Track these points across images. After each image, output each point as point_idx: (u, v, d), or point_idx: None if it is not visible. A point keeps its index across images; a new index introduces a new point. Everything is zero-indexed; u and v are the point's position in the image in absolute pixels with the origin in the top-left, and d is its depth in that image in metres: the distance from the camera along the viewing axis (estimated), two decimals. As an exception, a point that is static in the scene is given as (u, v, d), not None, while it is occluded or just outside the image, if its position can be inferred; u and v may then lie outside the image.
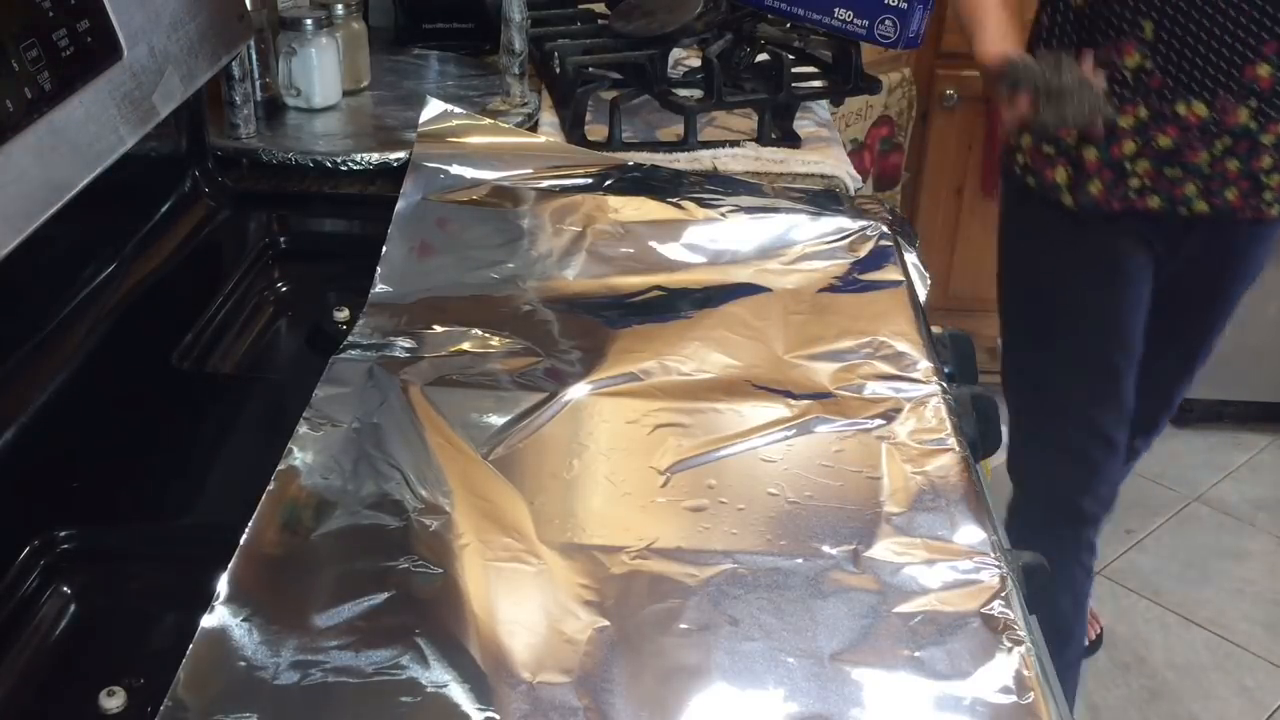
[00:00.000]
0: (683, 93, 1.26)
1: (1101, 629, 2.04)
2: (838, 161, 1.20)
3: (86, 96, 0.80)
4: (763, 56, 1.31)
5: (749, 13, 1.28)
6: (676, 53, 1.33)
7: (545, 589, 0.66)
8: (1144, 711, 1.93)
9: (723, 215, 1.03)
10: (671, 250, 1.00)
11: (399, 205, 1.03)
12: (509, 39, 1.26)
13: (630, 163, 1.13)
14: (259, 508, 0.69)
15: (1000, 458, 1.73)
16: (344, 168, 1.17)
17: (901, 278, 0.97)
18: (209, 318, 0.97)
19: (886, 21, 1.16)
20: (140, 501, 0.76)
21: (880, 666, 0.61)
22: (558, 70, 1.31)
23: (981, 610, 0.65)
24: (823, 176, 1.18)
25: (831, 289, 0.96)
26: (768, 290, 0.95)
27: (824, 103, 1.34)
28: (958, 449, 0.78)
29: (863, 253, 1.00)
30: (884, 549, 0.69)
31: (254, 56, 1.20)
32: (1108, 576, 2.19)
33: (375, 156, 1.17)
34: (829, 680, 0.61)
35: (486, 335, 0.89)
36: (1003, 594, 0.66)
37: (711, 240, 1.01)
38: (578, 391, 0.83)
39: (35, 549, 0.71)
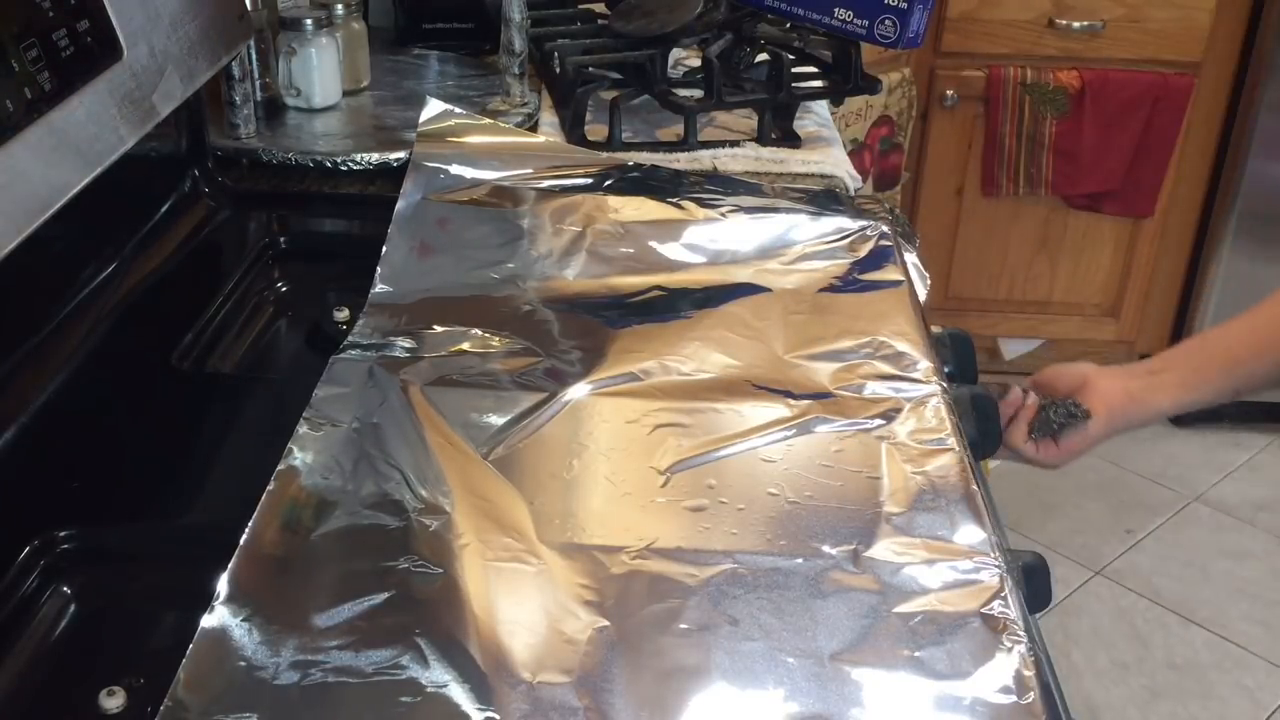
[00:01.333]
0: (683, 93, 1.26)
1: None
2: (838, 161, 1.20)
3: (86, 96, 0.80)
4: (763, 56, 1.30)
5: (749, 13, 1.28)
6: (676, 53, 1.33)
7: (545, 589, 0.66)
8: (1144, 711, 1.93)
9: (723, 215, 1.03)
10: (671, 250, 1.00)
11: (399, 205, 1.03)
12: (509, 39, 1.26)
13: (630, 163, 1.13)
14: (259, 508, 0.69)
15: (1000, 457, 1.72)
16: (344, 168, 1.17)
17: (901, 278, 0.97)
18: (209, 318, 0.97)
19: (886, 21, 1.16)
20: (140, 501, 0.77)
21: (880, 666, 0.61)
22: (558, 70, 1.31)
23: (981, 610, 0.65)
24: (822, 176, 1.18)
25: (831, 289, 0.96)
26: (768, 290, 0.95)
27: (824, 103, 1.34)
28: (958, 449, 0.78)
29: (863, 253, 1.00)
30: (884, 549, 0.69)
31: (254, 56, 1.20)
32: (1108, 576, 2.19)
33: (375, 156, 1.17)
34: (829, 680, 0.61)
35: (486, 335, 0.89)
36: (1003, 594, 0.66)
37: (711, 240, 1.01)
38: (578, 391, 0.83)
39: (35, 549, 0.71)
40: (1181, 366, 0.96)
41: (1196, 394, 0.96)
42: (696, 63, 1.33)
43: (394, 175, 1.10)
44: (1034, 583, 0.71)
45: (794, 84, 1.25)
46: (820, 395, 0.83)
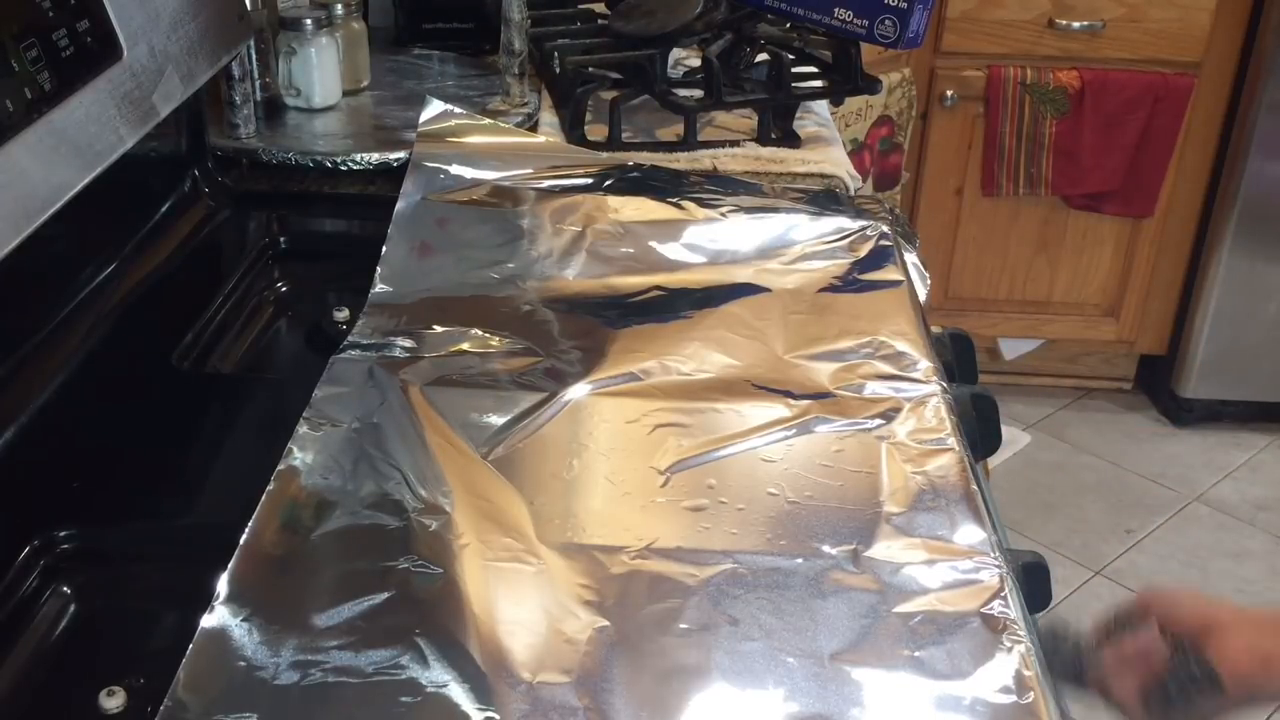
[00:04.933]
0: (683, 93, 1.26)
1: None
2: (837, 161, 1.20)
3: (86, 96, 0.80)
4: (763, 56, 1.30)
5: (749, 13, 1.28)
6: (676, 53, 1.33)
7: (545, 589, 0.66)
8: (1144, 711, 1.92)
9: (723, 215, 1.03)
10: (671, 250, 1.00)
11: (399, 205, 1.03)
12: (509, 39, 1.26)
13: (630, 163, 1.13)
14: (259, 508, 0.69)
15: (1000, 457, 1.72)
16: (344, 168, 1.17)
17: (901, 278, 0.97)
18: (209, 318, 0.97)
19: (886, 21, 1.16)
20: (140, 501, 0.76)
21: (880, 666, 0.61)
22: (558, 70, 1.31)
23: (981, 610, 0.65)
24: (822, 176, 1.18)
25: (831, 289, 0.96)
26: (768, 290, 0.95)
27: (824, 103, 1.34)
28: (957, 449, 0.78)
29: (863, 253, 1.00)
30: (884, 549, 0.69)
31: (254, 56, 1.20)
32: (1108, 576, 2.19)
33: (375, 156, 1.17)
34: (829, 680, 0.61)
35: (486, 335, 0.89)
36: (1003, 594, 0.66)
37: (711, 240, 1.01)
38: (578, 391, 0.83)
39: (35, 549, 0.71)
40: None
41: None
42: (696, 63, 1.33)
43: (394, 175, 1.10)
44: (1034, 583, 0.71)
45: (794, 84, 1.25)
46: (820, 395, 0.83)
